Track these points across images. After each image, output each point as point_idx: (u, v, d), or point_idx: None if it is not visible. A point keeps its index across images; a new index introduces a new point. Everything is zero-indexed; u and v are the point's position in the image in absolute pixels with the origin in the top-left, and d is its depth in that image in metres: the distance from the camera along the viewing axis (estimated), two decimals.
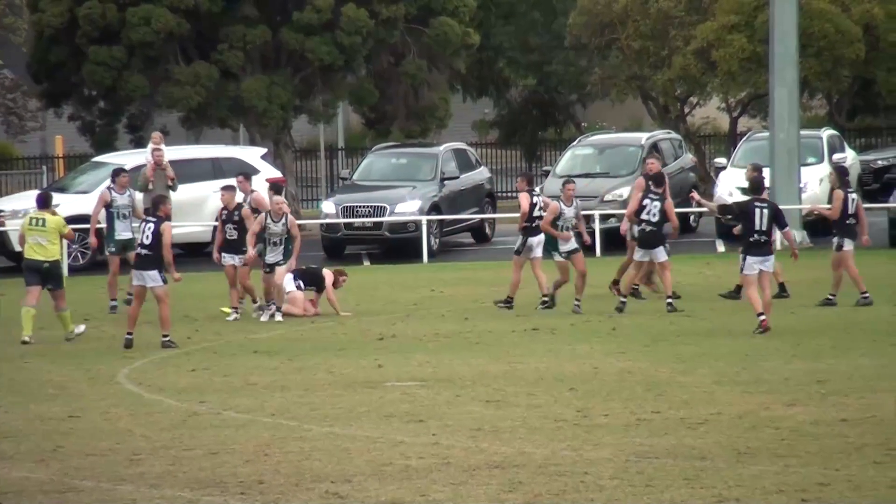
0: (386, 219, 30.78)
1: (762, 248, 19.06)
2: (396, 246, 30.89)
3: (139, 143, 35.17)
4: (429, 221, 30.54)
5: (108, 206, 23.03)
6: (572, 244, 21.36)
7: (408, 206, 30.87)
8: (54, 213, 20.14)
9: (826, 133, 32.96)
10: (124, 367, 17.89)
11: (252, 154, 32.10)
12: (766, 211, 19.10)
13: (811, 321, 20.22)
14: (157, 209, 19.34)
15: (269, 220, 21.53)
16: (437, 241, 31.21)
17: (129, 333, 19.06)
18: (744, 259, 19.13)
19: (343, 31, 34.22)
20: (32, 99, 42.10)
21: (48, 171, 38.67)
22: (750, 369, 16.72)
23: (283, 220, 21.51)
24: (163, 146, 30.40)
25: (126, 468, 12.69)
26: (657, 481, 11.89)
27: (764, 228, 19.02)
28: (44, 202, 20.18)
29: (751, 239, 19.07)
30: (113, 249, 23.00)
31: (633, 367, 17.06)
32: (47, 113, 40.32)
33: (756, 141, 32.29)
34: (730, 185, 31.43)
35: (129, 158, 31.44)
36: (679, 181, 33.06)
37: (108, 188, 23.47)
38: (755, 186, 19.61)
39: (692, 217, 32.50)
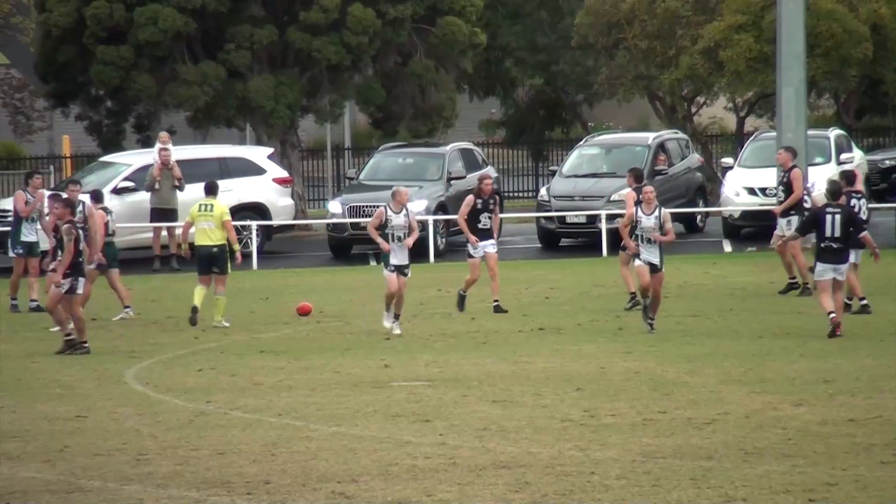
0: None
1: (834, 254, 18.47)
2: None
3: (146, 142, 35.20)
4: (435, 221, 30.54)
5: (24, 205, 22.96)
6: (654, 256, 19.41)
7: (414, 206, 30.76)
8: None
9: (833, 133, 32.93)
10: (131, 366, 17.90)
11: (259, 154, 32.12)
12: (838, 217, 18.57)
13: (818, 321, 20.20)
14: (75, 211, 19.14)
15: (389, 212, 19.83)
16: (444, 240, 31.20)
17: (72, 335, 18.76)
18: (815, 265, 18.68)
19: (350, 31, 34.22)
20: (40, 99, 42.15)
21: (55, 171, 38.69)
22: (756, 369, 16.70)
23: (405, 212, 19.82)
24: (170, 146, 30.46)
25: (133, 468, 12.70)
26: (664, 481, 11.88)
27: (836, 235, 18.49)
28: (211, 189, 21.28)
29: (822, 245, 18.58)
30: (20, 251, 22.97)
31: (640, 367, 17.05)
32: (54, 113, 40.37)
33: (763, 140, 32.26)
34: (736, 185, 31.42)
35: (136, 158, 31.50)
36: (686, 181, 33.05)
37: (24, 189, 23.45)
38: (833, 192, 18.95)
39: (699, 217, 32.46)
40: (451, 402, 15.20)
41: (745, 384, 15.87)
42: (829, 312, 18.60)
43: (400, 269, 19.78)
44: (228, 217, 21.16)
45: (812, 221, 18.94)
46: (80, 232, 18.69)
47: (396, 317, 19.84)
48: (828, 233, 18.58)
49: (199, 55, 34.66)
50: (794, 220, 22.75)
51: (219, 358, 18.46)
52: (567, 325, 20.39)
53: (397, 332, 19.72)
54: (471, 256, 21.51)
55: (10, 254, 23.22)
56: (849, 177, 20.71)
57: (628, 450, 12.89)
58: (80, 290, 18.59)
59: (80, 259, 18.60)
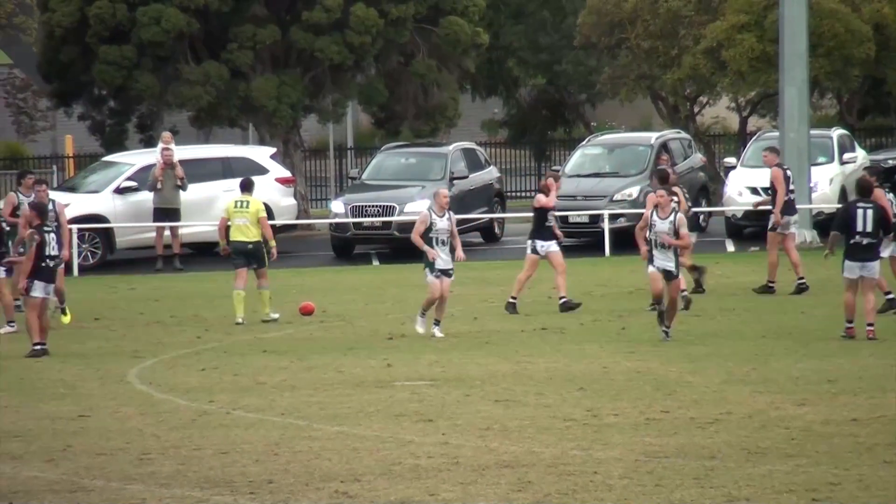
0: (395, 218, 30.78)
1: (864, 251, 17.78)
2: (405, 245, 30.85)
3: (149, 142, 35.19)
4: None
5: (15, 208, 22.92)
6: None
7: (417, 206, 30.83)
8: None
9: (836, 133, 32.92)
10: (134, 366, 17.90)
11: (261, 153, 32.12)
12: (870, 212, 17.84)
13: (821, 321, 20.19)
14: (48, 216, 18.83)
15: (433, 216, 19.36)
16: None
17: (45, 343, 18.58)
18: (843, 262, 18.05)
19: (352, 31, 34.22)
20: (43, 98, 42.16)
21: (58, 171, 38.71)
22: (760, 369, 16.69)
23: (447, 215, 19.35)
24: (172, 146, 30.45)
25: (136, 468, 12.70)
26: (667, 481, 11.87)
27: (868, 230, 17.76)
28: (246, 186, 21.55)
29: (851, 241, 17.93)
30: (22, 251, 22.89)
31: (643, 367, 17.05)
32: (57, 112, 40.36)
33: (766, 140, 32.25)
34: (739, 185, 31.41)
35: (138, 158, 31.49)
36: (688, 181, 33.02)
37: (16, 190, 23.39)
38: (863, 188, 18.32)
39: (701, 217, 32.46)
40: (454, 402, 15.19)
41: (748, 384, 15.86)
42: (848, 321, 18.15)
43: (446, 272, 19.38)
44: (264, 213, 21.49)
45: (843, 217, 18.17)
46: (46, 236, 18.50)
47: (438, 321, 19.39)
48: (859, 227, 17.87)
49: (201, 55, 34.66)
50: (786, 218, 22.79)
51: (221, 357, 18.46)
52: (570, 325, 20.38)
53: (440, 334, 19.39)
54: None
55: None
56: (876, 172, 20.41)
57: (631, 449, 12.89)
58: (35, 293, 18.47)
59: (43, 264, 18.45)
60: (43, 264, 18.45)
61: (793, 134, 30.14)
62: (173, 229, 29.64)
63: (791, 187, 23.04)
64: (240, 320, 20.97)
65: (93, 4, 33.93)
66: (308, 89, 35.15)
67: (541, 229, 21.54)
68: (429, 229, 19.33)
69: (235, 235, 21.26)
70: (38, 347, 18.57)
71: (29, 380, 17.13)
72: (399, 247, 30.96)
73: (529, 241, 21.60)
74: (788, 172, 23.31)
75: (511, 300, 21.51)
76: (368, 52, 34.62)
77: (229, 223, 21.34)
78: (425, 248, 19.34)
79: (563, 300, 21.43)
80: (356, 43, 34.25)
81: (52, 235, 18.54)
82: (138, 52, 34.06)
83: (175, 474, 12.44)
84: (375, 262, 30.38)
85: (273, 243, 21.42)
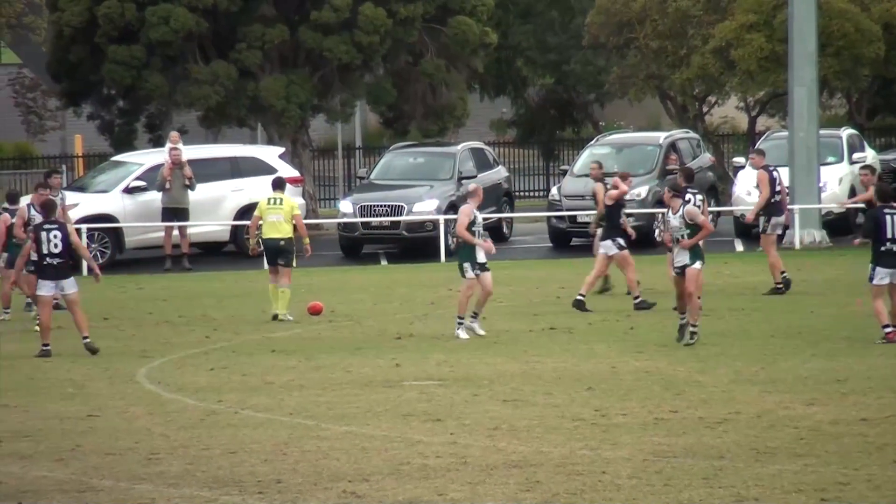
0: (403, 218, 30.78)
1: (894, 257, 17.64)
2: (414, 245, 30.89)
3: (158, 142, 35.21)
4: (446, 220, 30.52)
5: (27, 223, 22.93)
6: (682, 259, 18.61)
7: (425, 206, 30.86)
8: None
9: (846, 132, 32.87)
10: (143, 366, 17.92)
11: (270, 153, 32.14)
12: None
13: (829, 320, 20.15)
14: (53, 213, 18.71)
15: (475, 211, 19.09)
16: (455, 240, 31.18)
17: (46, 344, 18.55)
18: (873, 269, 17.81)
19: (361, 31, 34.21)
20: (52, 98, 42.18)
21: (68, 171, 38.73)
22: (768, 369, 16.67)
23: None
24: (180, 145, 30.46)
25: (144, 467, 12.70)
26: (675, 480, 11.86)
27: None
28: (279, 185, 21.89)
29: (882, 248, 17.61)
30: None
31: (651, 367, 17.03)
32: (67, 112, 40.39)
33: (775, 140, 32.22)
34: (748, 185, 31.36)
35: (147, 158, 31.51)
36: (697, 180, 32.96)
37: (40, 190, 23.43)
38: (884, 194, 18.06)
39: (710, 217, 32.39)
40: (462, 402, 15.19)
41: (756, 384, 15.84)
42: (884, 326, 17.91)
43: (483, 266, 19.23)
44: (298, 211, 21.81)
45: (872, 224, 17.90)
46: (48, 234, 18.35)
47: (475, 315, 19.23)
48: (888, 234, 17.66)
49: (210, 55, 34.68)
50: (774, 219, 22.86)
51: (230, 357, 18.47)
52: (578, 325, 20.36)
53: (482, 332, 19.28)
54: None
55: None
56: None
57: (640, 449, 12.87)
58: (42, 292, 18.39)
59: (45, 262, 18.32)
60: (45, 263, 18.38)
61: (802, 133, 30.09)
62: (182, 229, 29.66)
63: (778, 188, 23.09)
64: (275, 309, 21.20)
65: (102, 4, 33.95)
66: (316, 89, 35.15)
67: (616, 227, 21.54)
68: (472, 223, 19.16)
69: (268, 232, 21.47)
70: (46, 347, 18.56)
71: (38, 379, 17.14)
72: (407, 246, 30.95)
73: (610, 241, 21.54)
74: (775, 174, 23.37)
75: (637, 300, 21.52)
76: (377, 51, 34.62)
77: (261, 222, 21.47)
78: (477, 241, 19.15)
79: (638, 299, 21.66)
80: (365, 42, 34.24)
81: (55, 233, 18.42)
82: (147, 51, 34.08)
83: (184, 474, 12.44)
84: (384, 262, 30.37)
85: (307, 240, 21.66)
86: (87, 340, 18.60)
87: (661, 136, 32.82)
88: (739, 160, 32.77)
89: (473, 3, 35.40)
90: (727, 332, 19.47)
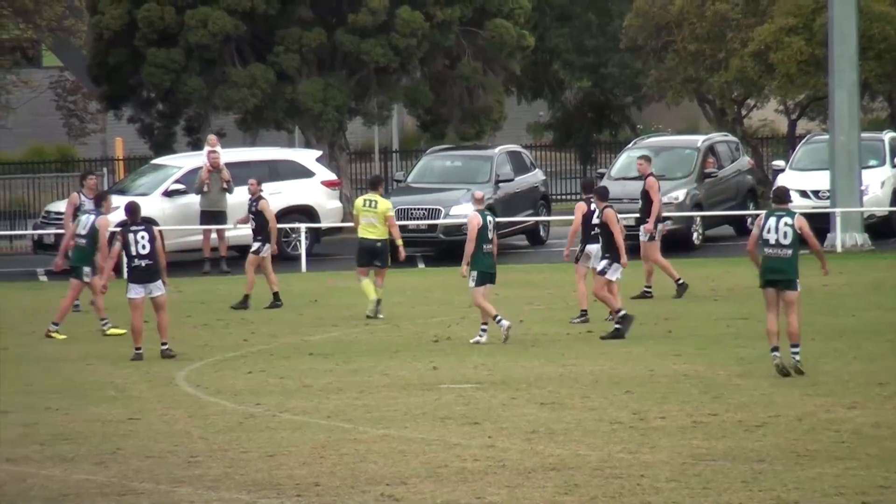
0: (440, 221, 30.79)
1: None
2: (451, 248, 30.86)
3: (196, 145, 35.32)
4: None
5: (76, 209, 23.11)
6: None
7: (462, 209, 30.82)
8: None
9: (888, 136, 32.66)
10: (182, 369, 17.98)
11: (307, 156, 32.20)
12: None
13: (871, 323, 20.03)
14: (138, 215, 18.64)
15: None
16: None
17: (139, 348, 18.56)
18: None
19: (398, 34, 34.25)
20: (93, 101, 42.40)
21: (108, 174, 38.93)
22: (809, 372, 16.57)
23: None
24: (218, 148, 30.54)
25: (184, 470, 12.75)
26: (715, 484, 11.81)
27: None
28: (375, 184, 22.02)
29: None
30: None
31: (689, 370, 16.96)
32: (107, 115, 40.59)
33: (816, 143, 32.07)
34: (788, 188, 31.16)
35: (187, 161, 31.62)
36: (736, 184, 32.86)
37: (78, 191, 23.58)
38: None
39: (749, 220, 32.29)
40: (500, 405, 15.17)
41: (797, 387, 15.75)
42: None
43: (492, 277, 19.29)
44: (392, 213, 21.93)
45: None
46: (135, 236, 18.38)
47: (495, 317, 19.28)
48: None
49: (248, 58, 34.79)
50: (660, 226, 22.95)
51: (268, 360, 18.51)
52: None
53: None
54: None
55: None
56: None
57: (678, 452, 12.82)
58: (131, 295, 18.49)
59: (133, 264, 18.34)
60: (133, 265, 18.36)
61: (843, 137, 29.93)
62: (220, 232, 29.75)
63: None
64: (376, 298, 21.29)
65: (141, 7, 34.11)
66: (354, 92, 35.20)
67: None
68: (482, 229, 19.39)
69: (364, 233, 21.57)
70: (139, 351, 18.47)
71: (80, 382, 17.22)
72: (445, 249, 30.94)
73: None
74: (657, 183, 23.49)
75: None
76: (414, 54, 34.63)
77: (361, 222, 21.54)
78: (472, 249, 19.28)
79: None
80: (402, 45, 34.27)
81: (142, 235, 18.37)
82: (186, 54, 34.21)
83: (223, 477, 12.47)
84: (421, 265, 30.37)
85: (401, 242, 21.78)
86: (165, 347, 18.53)
87: (699, 140, 32.71)
88: (779, 163, 32.62)
89: (511, 6, 35.37)
90: (766, 336, 19.35)
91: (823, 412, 14.36)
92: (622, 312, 19.35)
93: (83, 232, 20.58)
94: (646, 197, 23.20)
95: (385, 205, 21.68)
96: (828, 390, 15.50)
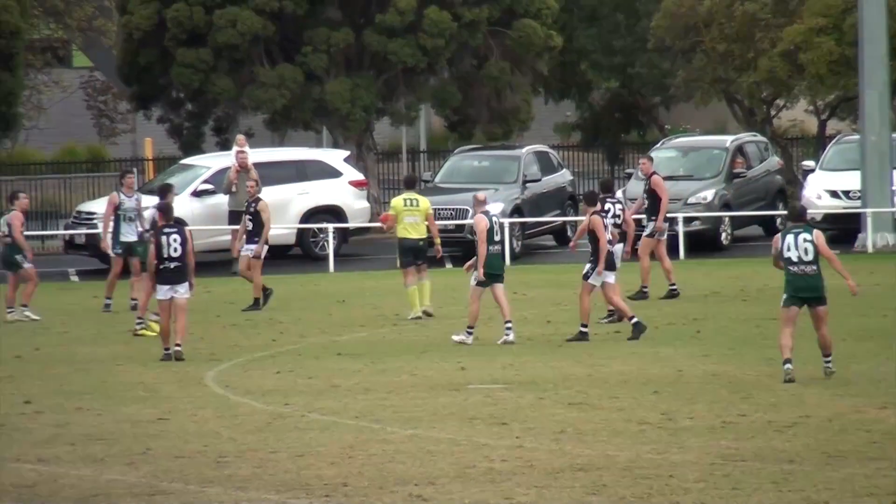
0: (468, 221, 30.76)
1: None
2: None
3: (225, 145, 35.41)
4: (511, 224, 30.48)
5: (116, 207, 23.22)
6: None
7: (490, 209, 30.81)
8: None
9: None
10: (211, 369, 18.02)
11: (335, 156, 32.23)
12: None
13: None
14: (171, 216, 18.78)
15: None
16: (520, 243, 31.14)
17: (168, 348, 18.60)
18: None
19: (426, 34, 34.26)
20: (123, 101, 42.54)
21: (138, 174, 39.06)
22: (840, 372, 16.50)
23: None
24: (247, 149, 30.59)
25: (213, 470, 12.77)
26: (744, 484, 11.77)
27: None
28: (412, 183, 22.23)
29: None
30: (119, 251, 23.17)
31: (718, 370, 16.91)
32: (137, 115, 40.73)
33: (846, 143, 31.93)
34: (818, 188, 31.11)
35: (215, 161, 31.70)
36: (765, 184, 32.76)
37: (117, 190, 23.68)
38: None
39: (779, 220, 32.17)
40: (528, 405, 15.16)
41: (827, 387, 15.69)
42: None
43: (489, 278, 19.28)
44: (431, 212, 21.96)
45: None
46: (167, 238, 18.44)
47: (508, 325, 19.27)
48: None
49: (276, 58, 34.85)
50: (650, 224, 22.87)
51: (296, 360, 18.54)
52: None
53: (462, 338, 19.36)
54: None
55: (111, 253, 23.45)
56: None
57: (707, 453, 12.79)
58: (159, 297, 18.56)
59: (162, 266, 18.44)
60: (162, 266, 18.41)
61: (874, 137, 29.80)
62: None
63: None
64: (418, 314, 21.28)
65: (170, 7, 34.20)
66: (381, 92, 35.22)
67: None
68: (489, 230, 19.49)
69: (405, 233, 21.55)
70: (168, 351, 18.53)
71: (111, 383, 17.28)
72: (472, 249, 30.87)
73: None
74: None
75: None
76: (442, 54, 34.64)
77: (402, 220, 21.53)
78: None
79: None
80: (429, 46, 34.28)
81: (174, 237, 18.40)
82: (215, 54, 34.29)
83: (252, 477, 12.50)
84: (448, 265, 30.36)
85: (439, 241, 21.86)
86: (178, 349, 18.54)
87: (728, 140, 32.62)
88: (809, 163, 32.49)
89: (538, 7, 35.34)
90: (797, 336, 19.27)
91: (854, 413, 14.29)
92: (607, 319, 19.68)
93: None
94: (652, 196, 23.14)
95: (426, 203, 21.72)
96: (859, 391, 15.43)
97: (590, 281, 19.21)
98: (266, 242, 23.19)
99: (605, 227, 19.41)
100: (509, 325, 19.30)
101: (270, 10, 34.06)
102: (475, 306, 19.27)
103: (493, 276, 19.32)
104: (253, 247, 22.78)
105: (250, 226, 23.06)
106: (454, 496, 11.72)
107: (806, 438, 13.24)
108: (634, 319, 19.24)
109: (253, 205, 23.12)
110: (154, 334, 20.12)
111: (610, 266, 19.32)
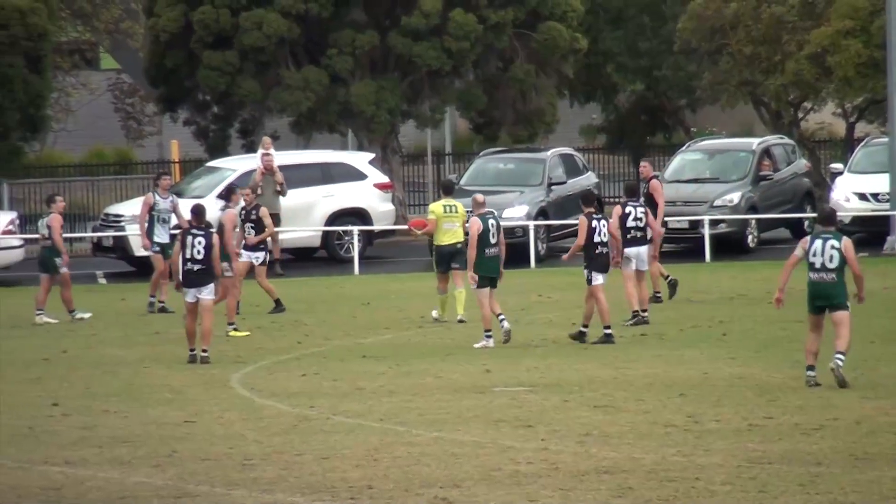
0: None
1: None
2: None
3: (250, 147, 35.48)
4: (536, 226, 30.47)
5: (150, 208, 23.32)
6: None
7: (515, 212, 30.81)
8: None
9: None
10: (237, 371, 18.06)
11: (360, 159, 32.27)
12: None
13: None
14: (203, 218, 18.79)
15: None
16: (545, 246, 31.11)
17: (193, 349, 18.65)
18: None
19: (451, 36, 34.26)
20: (150, 103, 42.69)
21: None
22: (867, 374, 16.44)
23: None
24: (272, 151, 30.68)
25: (239, 473, 12.80)
26: (771, 487, 11.73)
27: None
28: (449, 189, 22.01)
29: None
30: (157, 249, 23.29)
31: (745, 373, 16.86)
32: (164, 117, 40.87)
33: (875, 146, 31.82)
34: (847, 191, 31.00)
35: (241, 163, 31.77)
36: (792, 186, 32.65)
37: (152, 191, 23.78)
38: None
39: (807, 223, 32.06)
40: (553, 408, 15.14)
41: (855, 389, 15.62)
42: None
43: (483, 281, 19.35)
44: (466, 216, 21.83)
45: None
46: (192, 240, 18.50)
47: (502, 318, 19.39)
48: None
49: (302, 60, 34.91)
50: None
51: (322, 363, 18.56)
52: (669, 331, 20.21)
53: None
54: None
55: (150, 252, 23.55)
56: None
57: (733, 455, 12.75)
58: (186, 298, 18.64)
59: (186, 268, 18.53)
60: (186, 268, 18.45)
61: None
62: (273, 234, 29.84)
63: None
64: (443, 318, 21.34)
65: (197, 10, 34.30)
66: (406, 95, 35.24)
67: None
68: (485, 232, 19.43)
69: (443, 239, 21.48)
70: (193, 353, 18.57)
71: (137, 385, 17.33)
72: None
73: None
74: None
75: None
76: (467, 57, 34.64)
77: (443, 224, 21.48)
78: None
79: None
80: (454, 48, 34.28)
81: (199, 240, 18.42)
82: (241, 57, 34.37)
83: (277, 480, 12.51)
84: None
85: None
86: (205, 354, 18.55)
87: (755, 142, 32.53)
88: (837, 166, 32.38)
89: (564, 9, 35.30)
90: (824, 338, 19.21)
91: (882, 415, 14.23)
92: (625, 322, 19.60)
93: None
94: (650, 200, 23.07)
95: (463, 208, 21.72)
96: (887, 393, 15.36)
97: (594, 284, 19.02)
98: (267, 248, 23.09)
99: (596, 229, 19.31)
100: (501, 316, 19.27)
101: (296, 13, 34.12)
102: (485, 310, 19.27)
103: (489, 279, 19.29)
104: (259, 254, 22.61)
105: (252, 233, 22.69)
106: (479, 499, 11.71)
107: (833, 441, 13.18)
108: (608, 331, 19.25)
109: (254, 212, 22.82)
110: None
111: (601, 268, 19.24)
